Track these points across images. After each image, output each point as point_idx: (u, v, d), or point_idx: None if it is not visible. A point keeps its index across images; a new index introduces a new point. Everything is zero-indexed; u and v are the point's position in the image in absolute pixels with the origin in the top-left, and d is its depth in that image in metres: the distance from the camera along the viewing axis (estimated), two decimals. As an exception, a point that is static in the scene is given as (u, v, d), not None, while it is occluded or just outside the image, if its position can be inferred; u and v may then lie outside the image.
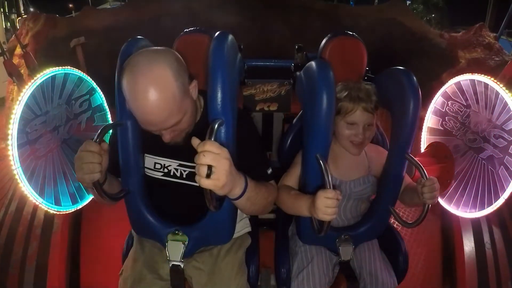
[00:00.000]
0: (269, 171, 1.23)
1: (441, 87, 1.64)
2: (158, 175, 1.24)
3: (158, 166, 1.24)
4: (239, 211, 1.33)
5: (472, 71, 1.49)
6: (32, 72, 1.61)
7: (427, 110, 1.72)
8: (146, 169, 1.25)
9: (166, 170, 1.24)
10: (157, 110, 0.97)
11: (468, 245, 1.70)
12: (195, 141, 0.88)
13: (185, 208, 1.24)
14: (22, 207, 1.72)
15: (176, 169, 1.23)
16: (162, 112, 0.98)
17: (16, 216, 1.70)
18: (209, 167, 0.86)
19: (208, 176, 0.86)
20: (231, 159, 0.90)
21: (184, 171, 1.22)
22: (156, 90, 0.95)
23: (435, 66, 2.86)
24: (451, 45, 3.05)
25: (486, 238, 1.70)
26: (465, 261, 1.68)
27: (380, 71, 1.42)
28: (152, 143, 1.21)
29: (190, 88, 1.08)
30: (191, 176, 1.21)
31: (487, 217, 1.63)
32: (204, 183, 0.87)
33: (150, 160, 1.25)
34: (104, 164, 1.02)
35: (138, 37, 1.17)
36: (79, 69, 1.52)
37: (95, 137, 1.02)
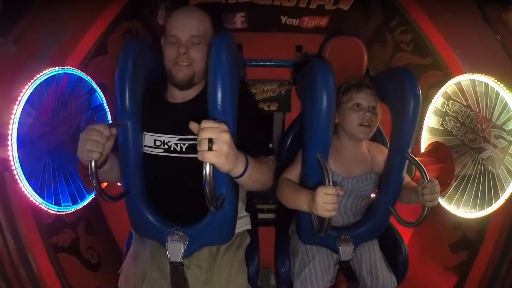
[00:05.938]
0: (270, 145, 1.25)
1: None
2: (159, 152, 1.26)
3: (158, 143, 1.26)
4: (239, 209, 1.33)
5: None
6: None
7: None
8: (146, 147, 1.27)
9: (166, 146, 1.25)
10: (195, 14, 1.26)
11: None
12: (192, 125, 0.92)
13: (187, 188, 1.23)
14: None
15: (176, 144, 1.25)
16: (197, 17, 1.24)
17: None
18: (210, 141, 0.88)
19: (210, 149, 0.88)
20: (229, 132, 0.92)
21: (184, 144, 1.24)
22: (198, 10, 1.29)
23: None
24: None
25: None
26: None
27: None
28: (152, 121, 1.24)
29: None
30: (191, 148, 1.23)
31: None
32: (207, 157, 0.89)
33: (150, 138, 1.26)
34: (107, 148, 1.05)
35: (136, 39, 1.18)
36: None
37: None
